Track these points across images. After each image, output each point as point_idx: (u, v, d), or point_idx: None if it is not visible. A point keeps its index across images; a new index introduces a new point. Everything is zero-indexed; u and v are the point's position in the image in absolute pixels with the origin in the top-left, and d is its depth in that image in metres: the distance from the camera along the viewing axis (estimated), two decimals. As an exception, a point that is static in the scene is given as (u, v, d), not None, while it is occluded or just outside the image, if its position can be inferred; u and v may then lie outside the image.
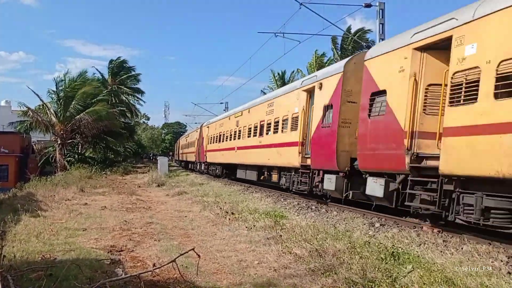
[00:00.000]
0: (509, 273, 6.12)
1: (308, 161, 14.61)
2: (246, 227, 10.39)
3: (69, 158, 35.00)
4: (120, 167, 42.28)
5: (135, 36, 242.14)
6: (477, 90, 7.53)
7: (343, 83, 12.77)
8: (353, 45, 34.05)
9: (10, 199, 15.77)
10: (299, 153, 15.20)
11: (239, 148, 24.19)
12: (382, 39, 19.66)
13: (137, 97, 51.74)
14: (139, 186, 25.08)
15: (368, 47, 24.98)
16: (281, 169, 17.89)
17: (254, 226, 10.48)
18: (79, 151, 40.05)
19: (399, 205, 10.04)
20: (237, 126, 24.83)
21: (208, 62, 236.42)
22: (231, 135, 26.63)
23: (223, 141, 28.90)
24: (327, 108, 13.51)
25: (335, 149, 12.59)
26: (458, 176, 8.05)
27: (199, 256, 6.45)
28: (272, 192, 18.70)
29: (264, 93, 37.77)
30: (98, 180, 26.38)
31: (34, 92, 37.82)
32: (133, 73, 50.29)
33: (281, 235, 9.17)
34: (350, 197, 12.29)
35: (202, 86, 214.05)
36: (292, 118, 16.45)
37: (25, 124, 35.72)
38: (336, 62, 31.57)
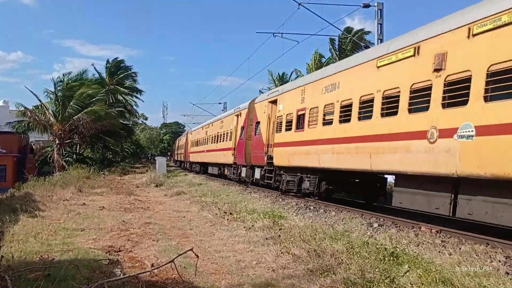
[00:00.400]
0: (507, 273, 6.14)
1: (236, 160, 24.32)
2: (245, 228, 10.40)
3: (67, 158, 34.91)
4: (118, 167, 42.23)
5: (134, 36, 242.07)
6: (281, 126, 17.41)
7: (248, 114, 22.64)
8: (352, 45, 34.05)
9: (8, 199, 15.72)
10: (232, 154, 24.99)
11: (207, 151, 33.89)
12: (381, 40, 19.73)
13: (136, 97, 51.64)
14: (137, 186, 25.07)
15: (366, 47, 25.14)
16: (226, 165, 27.81)
17: (253, 226, 10.49)
18: (77, 151, 39.98)
19: (265, 183, 19.76)
20: (206, 134, 35.13)
21: (206, 62, 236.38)
22: (203, 141, 36.95)
23: (198, 145, 39.51)
24: (242, 128, 23.38)
25: (245, 152, 22.12)
26: (279, 166, 17.72)
27: (197, 256, 6.45)
28: (271, 193, 18.71)
29: (262, 93, 38.07)
30: (96, 180, 26.34)
31: (32, 92, 37.83)
32: (130, 72, 50.14)
33: (279, 236, 9.17)
34: (254, 181, 21.45)
35: (201, 86, 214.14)
36: (230, 132, 26.19)
37: (23, 124, 35.65)
38: (334, 62, 31.70)
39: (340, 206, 13.65)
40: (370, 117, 11.11)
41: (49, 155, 36.24)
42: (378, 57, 11.06)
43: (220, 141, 29.74)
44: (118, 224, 10.87)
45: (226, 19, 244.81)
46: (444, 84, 8.63)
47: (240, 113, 24.46)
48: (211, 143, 32.10)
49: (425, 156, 8.96)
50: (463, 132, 8.03)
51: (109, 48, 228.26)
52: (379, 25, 20.17)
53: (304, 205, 14.35)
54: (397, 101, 10.01)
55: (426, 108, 9.04)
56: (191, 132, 46.75)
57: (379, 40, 19.88)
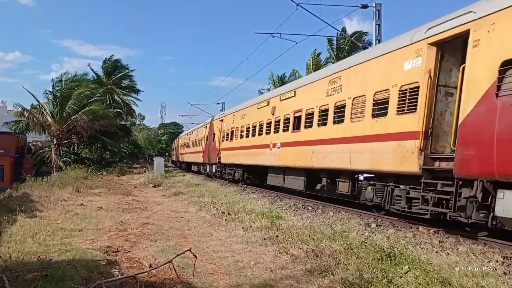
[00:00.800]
0: (504, 273, 6.16)
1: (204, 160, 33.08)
2: (243, 228, 10.39)
3: (65, 159, 34.86)
4: (116, 167, 42.17)
5: (132, 37, 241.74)
6: (225, 136, 26.99)
7: (210, 127, 31.89)
8: (350, 45, 34.13)
9: (6, 200, 15.69)
10: (202, 156, 34.34)
11: (190, 153, 44.50)
12: (379, 40, 19.76)
13: (133, 97, 51.50)
14: (135, 187, 25.03)
15: (364, 48, 25.21)
16: (199, 163, 35.92)
17: (251, 226, 10.49)
18: (75, 152, 39.91)
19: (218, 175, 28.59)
20: (189, 140, 45.05)
21: (205, 62, 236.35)
22: (187, 144, 46.90)
23: (185, 148, 48.78)
24: (207, 137, 32.55)
25: (208, 154, 31.22)
26: (224, 164, 27.20)
27: (195, 256, 6.45)
28: (269, 193, 18.72)
29: (261, 93, 38.02)
30: (94, 181, 26.30)
31: (30, 92, 37.76)
32: (127, 71, 49.93)
33: (277, 236, 9.18)
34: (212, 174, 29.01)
35: (199, 86, 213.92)
36: (200, 139, 36.09)
37: (21, 125, 35.57)
38: (332, 62, 31.80)
39: (338, 206, 13.67)
40: (254, 135, 20.75)
41: (47, 155, 36.18)
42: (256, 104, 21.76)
43: (196, 146, 39.34)
44: (116, 224, 10.85)
45: (224, 19, 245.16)
46: (275, 121, 18.05)
47: (207, 126, 34.08)
48: (192, 146, 42.50)
49: (271, 156, 17.83)
50: (278, 145, 17.28)
51: (108, 48, 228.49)
52: (377, 26, 20.21)
53: (302, 205, 14.36)
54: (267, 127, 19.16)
55: (268, 132, 18.77)
56: (181, 137, 57.96)
57: (377, 41, 19.92)
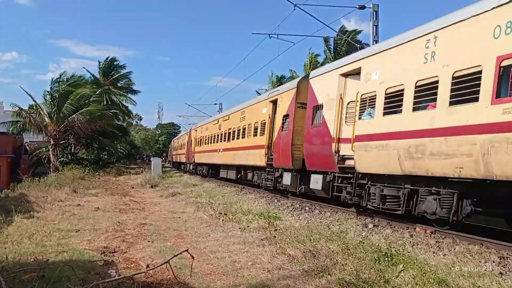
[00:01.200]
0: (501, 273, 6.18)
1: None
2: (240, 228, 10.39)
3: (62, 159, 34.76)
4: (113, 168, 42.07)
5: (129, 37, 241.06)
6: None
7: (189, 134, 38.41)
8: (347, 46, 34.21)
9: (2, 200, 15.63)
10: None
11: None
12: (376, 41, 19.78)
13: (130, 98, 51.43)
14: (133, 187, 25.00)
15: (361, 48, 25.21)
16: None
17: (248, 227, 10.49)
18: (72, 152, 39.80)
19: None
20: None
21: (202, 63, 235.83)
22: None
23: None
24: (187, 142, 38.51)
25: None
26: (198, 163, 35.57)
27: (192, 257, 6.45)
28: (266, 193, 18.72)
29: (259, 94, 37.81)
30: (91, 181, 26.23)
31: (27, 93, 37.56)
32: (123, 71, 49.87)
33: (274, 236, 9.18)
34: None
35: (196, 86, 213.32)
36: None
37: (18, 125, 35.46)
38: (329, 62, 31.80)
39: (335, 207, 13.67)
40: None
41: (44, 156, 36.08)
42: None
43: (182, 149, 42.59)
44: (113, 225, 10.84)
45: (222, 20, 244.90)
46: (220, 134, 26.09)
47: (187, 134, 39.79)
48: (180, 149, 47.18)
49: (227, 155, 24.13)
50: (221, 150, 25.24)
51: (105, 49, 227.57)
52: (374, 27, 20.23)
53: (299, 205, 14.37)
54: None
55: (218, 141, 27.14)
56: (174, 140, 59.79)
57: (374, 42, 19.94)
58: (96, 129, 35.63)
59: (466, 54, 7.92)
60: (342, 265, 6.70)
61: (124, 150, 63.77)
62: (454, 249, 7.72)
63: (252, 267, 7.02)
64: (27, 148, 43.55)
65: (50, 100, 34.58)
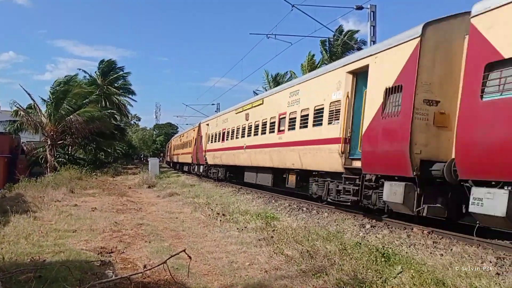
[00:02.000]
0: (497, 274, 6.19)
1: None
2: (237, 229, 10.38)
3: (59, 159, 34.71)
4: (111, 168, 42.02)
5: (127, 37, 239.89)
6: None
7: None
8: (342, 47, 34.26)
9: (-1, 200, 15.58)
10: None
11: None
12: (373, 42, 19.81)
13: (128, 97, 51.42)
14: (130, 188, 24.96)
15: (359, 49, 25.07)
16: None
17: (245, 227, 10.49)
18: (70, 152, 39.73)
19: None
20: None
21: (200, 63, 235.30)
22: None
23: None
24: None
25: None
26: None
27: (190, 257, 6.43)
28: (263, 194, 18.70)
29: (256, 94, 37.34)
30: (88, 181, 26.18)
31: (26, 92, 37.43)
32: (121, 72, 49.83)
33: (272, 237, 9.18)
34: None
35: (194, 87, 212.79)
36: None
37: (15, 125, 35.39)
38: (326, 64, 31.67)
39: (333, 207, 13.68)
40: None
41: (41, 156, 36.01)
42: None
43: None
44: (110, 225, 10.80)
45: (219, 20, 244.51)
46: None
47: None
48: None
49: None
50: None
51: (103, 49, 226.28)
52: (371, 27, 20.28)
53: (297, 206, 14.37)
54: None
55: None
56: (173, 139, 57.49)
57: (372, 42, 19.97)
58: (93, 130, 35.58)
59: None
60: (340, 265, 6.70)
61: (121, 150, 63.74)
62: (451, 249, 7.74)
63: (249, 267, 7.02)
64: (24, 148, 43.37)
65: (48, 100, 34.55)
